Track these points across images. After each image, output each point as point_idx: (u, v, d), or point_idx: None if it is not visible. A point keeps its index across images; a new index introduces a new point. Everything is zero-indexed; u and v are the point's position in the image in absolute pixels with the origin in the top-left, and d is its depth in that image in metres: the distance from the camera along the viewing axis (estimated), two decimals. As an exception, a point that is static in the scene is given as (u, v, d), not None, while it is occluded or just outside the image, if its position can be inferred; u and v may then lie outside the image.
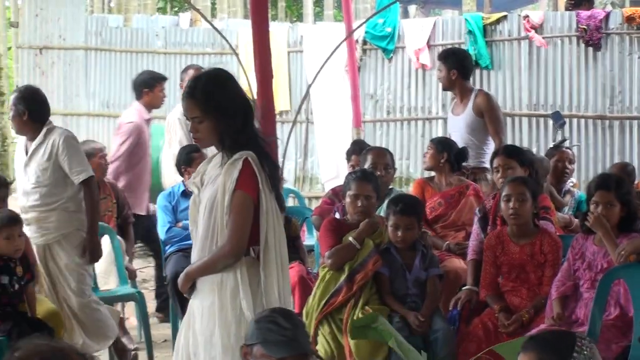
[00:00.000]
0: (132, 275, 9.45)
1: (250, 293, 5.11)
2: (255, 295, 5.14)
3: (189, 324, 5.31)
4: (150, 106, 10.93)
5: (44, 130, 7.98)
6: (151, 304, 10.40)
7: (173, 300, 9.21)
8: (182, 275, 5.38)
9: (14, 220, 7.35)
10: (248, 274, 5.16)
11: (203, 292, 5.26)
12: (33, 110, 7.96)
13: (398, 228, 7.00)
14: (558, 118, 11.46)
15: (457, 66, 9.29)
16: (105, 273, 9.23)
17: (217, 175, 5.21)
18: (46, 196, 7.91)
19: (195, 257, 5.32)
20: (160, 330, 9.94)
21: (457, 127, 9.28)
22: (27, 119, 7.96)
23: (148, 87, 10.85)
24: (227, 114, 5.17)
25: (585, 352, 3.36)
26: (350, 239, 7.01)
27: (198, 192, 5.32)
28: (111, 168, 10.16)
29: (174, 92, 11.27)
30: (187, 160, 9.35)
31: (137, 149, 10.72)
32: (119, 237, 9.32)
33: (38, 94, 8.19)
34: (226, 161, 5.17)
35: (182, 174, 9.42)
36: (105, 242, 9.19)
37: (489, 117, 9.13)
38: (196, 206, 5.33)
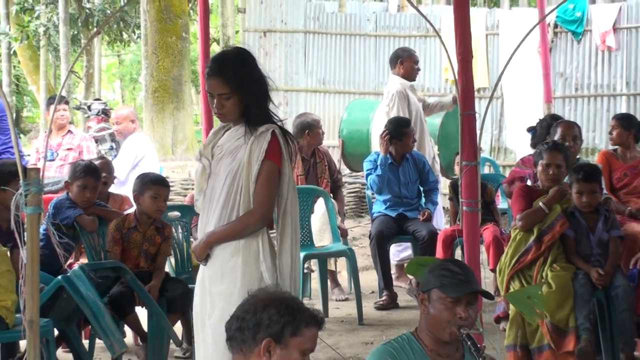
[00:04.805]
0: (344, 233, 9.55)
1: (269, 256, 4.96)
2: (273, 258, 4.98)
3: (204, 290, 5.06)
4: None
5: None
6: (360, 260, 10.56)
7: (373, 255, 9.34)
8: (201, 242, 5.04)
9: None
10: (269, 240, 5.02)
11: (223, 257, 4.97)
12: None
13: (582, 194, 6.92)
14: None
15: None
16: (320, 231, 9.38)
17: (238, 146, 4.96)
18: None
19: (213, 225, 4.99)
20: (368, 282, 10.10)
21: None
22: None
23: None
24: (254, 89, 4.96)
25: None
26: (540, 203, 6.98)
27: (209, 163, 5.05)
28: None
29: (387, 69, 11.22)
30: (398, 134, 9.37)
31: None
32: (332, 199, 9.46)
33: None
34: (251, 133, 4.93)
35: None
36: (320, 203, 9.37)
37: None
38: (205, 177, 5.06)
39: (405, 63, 10.33)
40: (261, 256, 4.94)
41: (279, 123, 5.05)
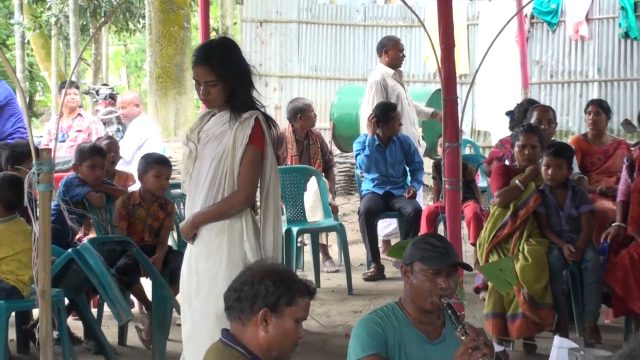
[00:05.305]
0: (334, 210, 9.54)
1: (253, 236, 4.89)
2: (257, 237, 4.92)
3: (191, 267, 4.99)
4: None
5: None
6: (350, 234, 10.56)
7: (362, 230, 9.35)
8: (188, 222, 4.97)
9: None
10: (252, 220, 4.94)
11: (209, 237, 4.91)
12: None
13: (549, 167, 6.90)
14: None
15: None
16: (313, 208, 9.37)
17: (223, 131, 4.89)
18: None
19: (200, 206, 4.92)
20: (357, 255, 10.11)
21: None
22: None
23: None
24: (238, 77, 4.89)
25: None
26: (517, 181, 6.98)
27: (195, 147, 4.97)
28: None
29: (376, 57, 11.14)
30: (385, 118, 9.36)
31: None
32: (324, 178, 9.46)
33: None
34: (235, 119, 4.87)
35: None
36: (313, 182, 9.37)
37: None
38: (192, 160, 4.98)
39: (390, 52, 10.26)
40: (245, 236, 4.88)
41: (261, 109, 4.99)
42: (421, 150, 10.21)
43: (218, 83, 4.87)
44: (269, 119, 5.00)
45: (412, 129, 10.18)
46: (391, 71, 10.19)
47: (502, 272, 5.62)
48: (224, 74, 4.87)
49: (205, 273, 4.90)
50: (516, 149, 7.18)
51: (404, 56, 10.42)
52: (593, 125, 8.49)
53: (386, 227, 10.10)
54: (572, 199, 6.96)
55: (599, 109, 8.50)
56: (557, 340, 5.54)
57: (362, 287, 9.03)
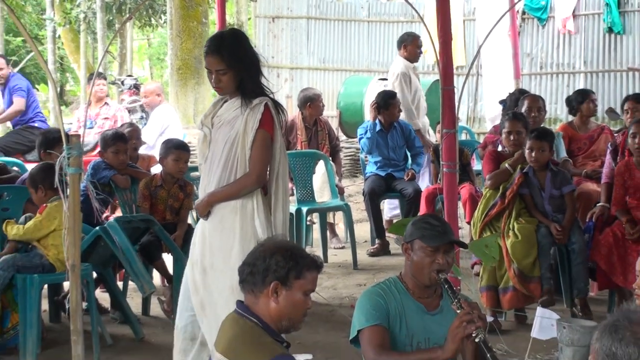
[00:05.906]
0: (341, 191, 9.55)
1: (263, 214, 4.86)
2: (268, 217, 4.88)
3: (204, 242, 4.94)
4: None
5: None
6: (355, 213, 10.56)
7: (367, 209, 9.35)
8: (203, 201, 4.92)
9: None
10: (262, 199, 4.89)
11: (222, 215, 4.88)
12: None
13: (532, 150, 6.86)
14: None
15: None
16: (320, 189, 9.37)
17: (235, 117, 4.85)
18: None
19: (214, 186, 4.89)
20: (361, 233, 10.10)
21: None
22: None
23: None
24: (247, 66, 4.85)
25: None
26: (506, 165, 6.97)
27: (210, 132, 4.93)
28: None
29: (379, 50, 11.07)
30: (385, 104, 9.35)
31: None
32: (331, 162, 9.45)
33: None
34: (246, 105, 4.83)
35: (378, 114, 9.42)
36: (321, 165, 9.36)
37: None
38: (207, 143, 4.94)
39: (409, 47, 10.25)
40: (256, 214, 4.85)
41: (270, 95, 4.95)
42: (432, 138, 10.21)
43: (228, 71, 4.83)
44: (277, 105, 4.96)
45: (423, 119, 10.24)
46: (411, 65, 10.25)
47: (487, 247, 5.64)
48: (234, 63, 4.83)
49: (219, 248, 4.87)
50: (503, 135, 7.17)
51: (421, 52, 10.44)
52: (591, 115, 8.39)
53: (393, 209, 10.10)
54: (552, 180, 6.92)
55: (596, 97, 8.51)
56: (540, 310, 5.56)
57: (366, 262, 9.03)
